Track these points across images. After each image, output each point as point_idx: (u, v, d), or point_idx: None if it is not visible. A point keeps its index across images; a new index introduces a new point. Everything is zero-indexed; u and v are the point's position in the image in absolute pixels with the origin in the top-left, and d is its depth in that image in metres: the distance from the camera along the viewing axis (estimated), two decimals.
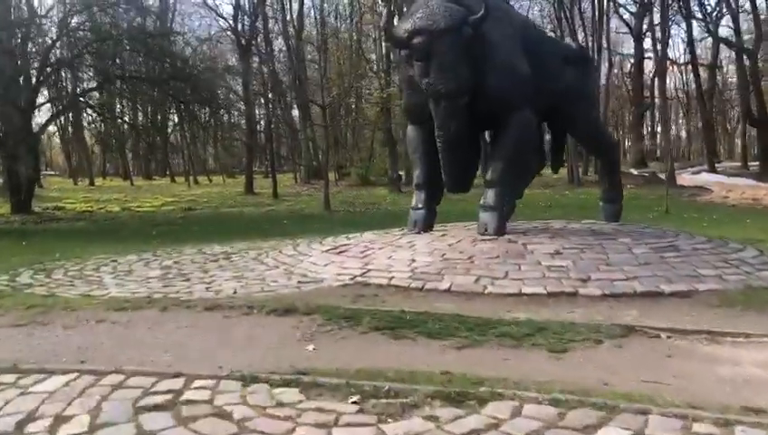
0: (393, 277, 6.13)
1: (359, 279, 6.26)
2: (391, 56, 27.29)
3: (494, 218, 7.33)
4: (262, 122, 38.25)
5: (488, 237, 7.13)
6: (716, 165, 38.97)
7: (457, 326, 4.51)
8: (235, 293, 5.98)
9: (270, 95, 30.45)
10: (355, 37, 32.22)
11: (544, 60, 7.77)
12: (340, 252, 7.34)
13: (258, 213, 19.14)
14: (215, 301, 5.46)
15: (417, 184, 8.06)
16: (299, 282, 6.32)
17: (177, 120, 30.57)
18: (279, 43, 32.81)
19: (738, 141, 65.48)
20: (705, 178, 32.58)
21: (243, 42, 27.67)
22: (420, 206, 7.99)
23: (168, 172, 43.03)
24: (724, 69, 48.55)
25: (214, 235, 12.78)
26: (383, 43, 29.83)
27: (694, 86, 46.59)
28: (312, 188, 29.09)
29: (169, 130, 33.17)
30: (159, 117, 31.02)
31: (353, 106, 32.32)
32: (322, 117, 20.66)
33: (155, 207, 22.31)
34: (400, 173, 27.32)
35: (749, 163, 42.27)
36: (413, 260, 6.55)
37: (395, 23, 6.98)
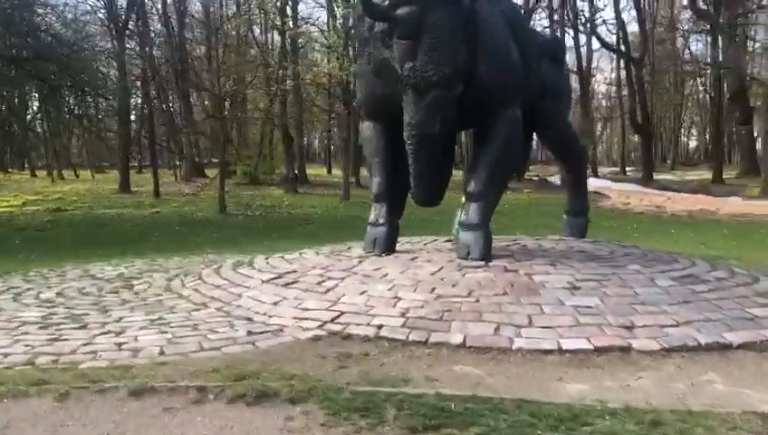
0: (381, 326, 4.58)
1: (332, 327, 4.66)
2: (287, 44, 25.37)
3: (478, 240, 5.94)
4: (134, 115, 34.88)
5: (475, 264, 5.75)
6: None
7: (532, 422, 3.05)
8: (162, 353, 4.20)
9: (142, 87, 27.49)
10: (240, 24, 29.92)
11: (526, 50, 6.48)
12: (289, 283, 5.67)
13: (142, 217, 16.74)
14: (141, 377, 3.65)
15: (376, 194, 6.53)
16: (250, 333, 4.61)
17: (38, 105, 27.01)
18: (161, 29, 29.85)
19: (601, 147, 69.66)
20: (592, 182, 33.05)
21: (119, 23, 24.74)
22: (381, 221, 6.47)
23: (27, 165, 38.51)
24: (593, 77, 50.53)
25: (96, 246, 10.63)
26: (277, 31, 27.92)
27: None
28: (195, 187, 26.68)
29: (30, 117, 29.40)
30: (18, 101, 27.29)
31: (240, 98, 29.95)
32: (217, 108, 18.48)
33: (15, 207, 19.19)
34: (296, 172, 25.52)
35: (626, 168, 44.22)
36: (397, 298, 5.02)
37: None
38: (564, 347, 4.23)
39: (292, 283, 5.69)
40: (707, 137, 60.02)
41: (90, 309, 5.42)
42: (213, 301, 5.53)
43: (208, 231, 13.16)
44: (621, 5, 34.32)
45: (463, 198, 7.66)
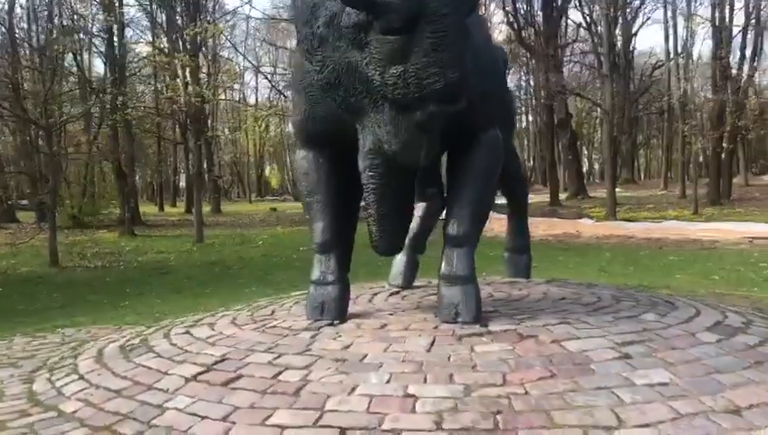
0: None
1: None
2: (115, 71, 22.57)
3: (469, 298, 4.61)
4: None
5: (471, 330, 4.42)
6: None
7: None
8: None
9: None
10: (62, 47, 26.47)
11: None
12: (230, 380, 3.96)
13: None
14: None
15: (320, 244, 4.97)
16: None
17: None
18: None
19: None
20: None
21: None
22: (330, 279, 4.93)
23: None
24: None
25: None
26: (101, 56, 24.89)
27: None
28: (6, 234, 22.91)
29: None
30: None
31: (58, 132, 26.28)
32: (47, 142, 15.55)
33: None
34: (132, 213, 22.67)
35: None
36: (410, 395, 3.53)
37: None
38: None
39: (235, 379, 3.97)
40: (531, 162, 63.92)
41: None
42: (121, 420, 3.66)
43: (45, 292, 10.62)
44: None
45: None
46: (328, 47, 4.24)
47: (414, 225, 6.54)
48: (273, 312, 5.61)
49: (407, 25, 3.74)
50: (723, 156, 27.61)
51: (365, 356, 4.08)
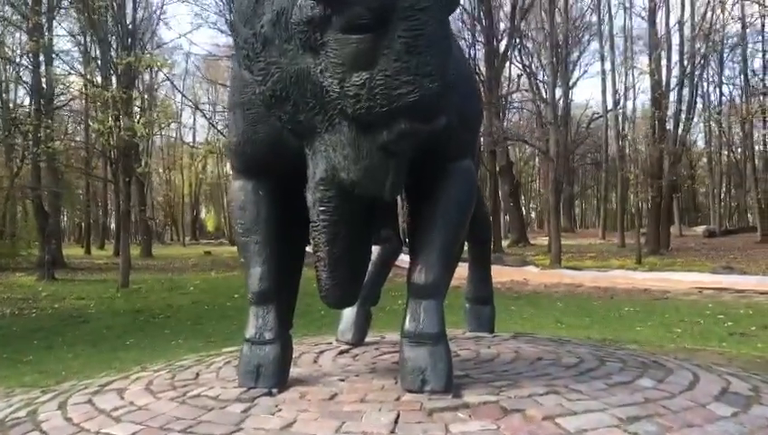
0: None
1: None
2: (41, 104, 21.14)
3: (439, 361, 3.80)
4: None
5: (443, 402, 3.60)
6: None
7: None
8: None
9: None
10: None
11: None
12: None
13: None
14: None
15: (257, 293, 4.08)
16: None
17: None
18: None
19: None
20: None
21: None
22: (268, 337, 4.04)
23: None
24: None
25: None
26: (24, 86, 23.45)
27: None
28: None
29: None
30: None
31: None
32: None
33: None
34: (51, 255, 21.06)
35: None
36: None
37: None
38: None
39: None
40: None
41: None
42: None
43: None
44: None
45: None
46: (273, 51, 3.44)
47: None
48: (197, 375, 4.67)
49: (375, 21, 2.98)
50: (662, 206, 27.91)
51: None
